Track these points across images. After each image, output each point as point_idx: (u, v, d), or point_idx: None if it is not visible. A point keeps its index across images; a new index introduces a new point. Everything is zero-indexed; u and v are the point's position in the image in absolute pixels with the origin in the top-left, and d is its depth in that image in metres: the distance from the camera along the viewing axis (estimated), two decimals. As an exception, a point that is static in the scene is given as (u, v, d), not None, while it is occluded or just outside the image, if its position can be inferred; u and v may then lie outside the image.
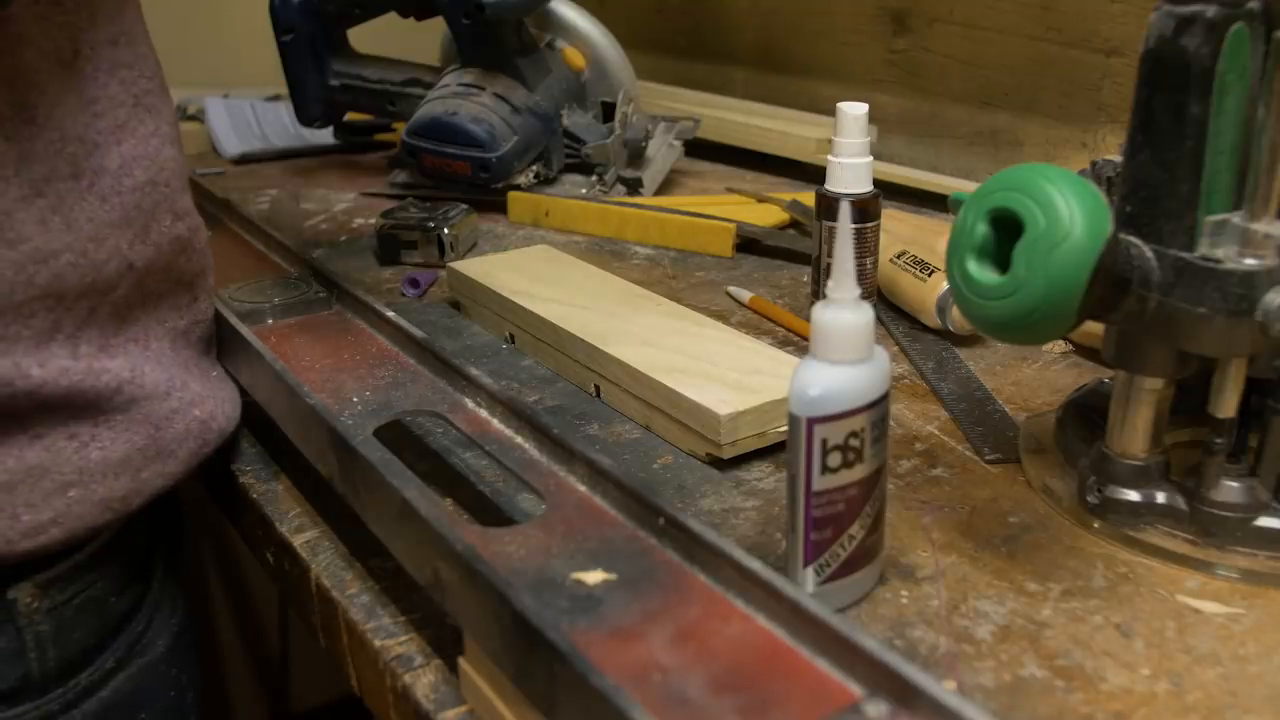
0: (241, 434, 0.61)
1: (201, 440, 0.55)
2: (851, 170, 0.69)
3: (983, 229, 0.44)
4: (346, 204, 1.06)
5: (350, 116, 1.18)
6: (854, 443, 0.41)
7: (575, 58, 1.06)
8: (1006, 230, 0.43)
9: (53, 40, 0.47)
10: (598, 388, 0.64)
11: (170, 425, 0.53)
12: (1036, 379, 0.66)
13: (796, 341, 0.71)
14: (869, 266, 0.71)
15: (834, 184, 0.69)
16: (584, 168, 1.04)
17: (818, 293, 0.73)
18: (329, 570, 0.50)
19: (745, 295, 0.78)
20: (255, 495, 0.57)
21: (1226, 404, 0.46)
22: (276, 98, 1.33)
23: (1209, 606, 0.45)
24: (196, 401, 0.55)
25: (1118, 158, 0.49)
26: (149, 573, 0.58)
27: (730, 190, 1.06)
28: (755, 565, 0.37)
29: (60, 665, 0.52)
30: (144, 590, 0.58)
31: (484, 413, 0.53)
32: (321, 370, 0.59)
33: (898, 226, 0.81)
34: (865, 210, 0.69)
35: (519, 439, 0.50)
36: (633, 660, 0.35)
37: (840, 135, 0.69)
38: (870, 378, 0.41)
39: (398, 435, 0.57)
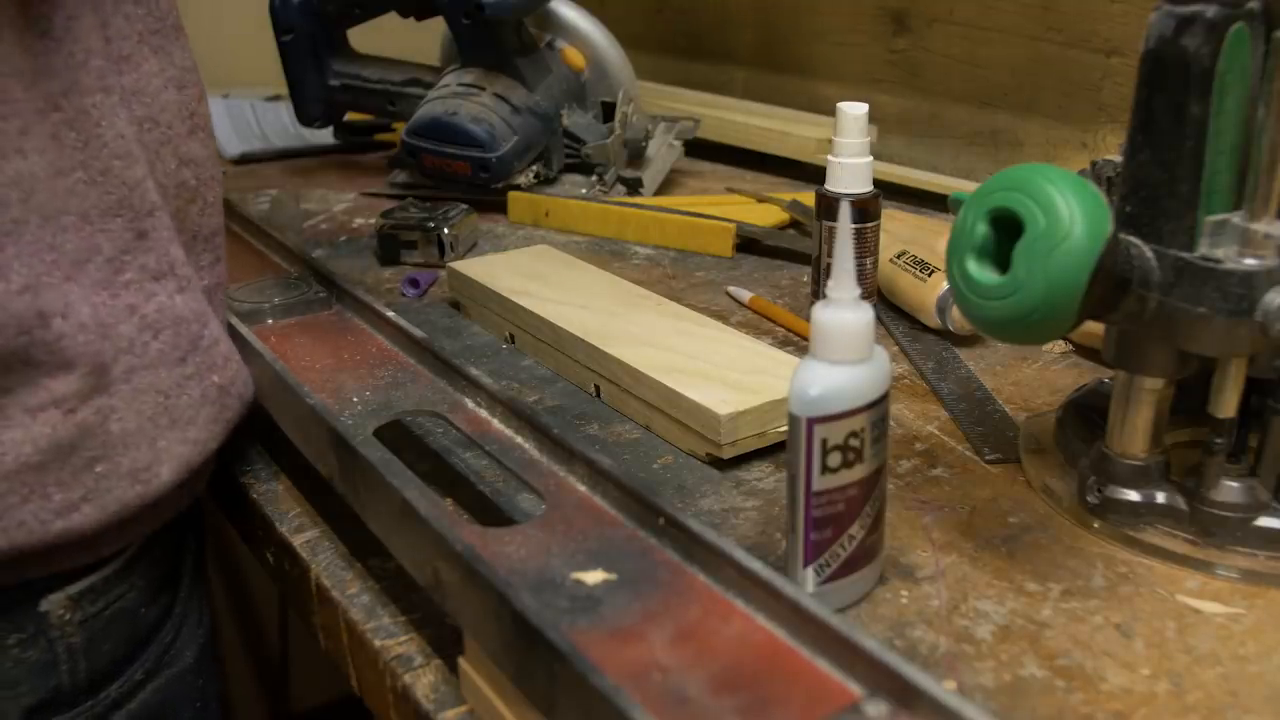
0: (245, 429, 0.61)
1: (221, 405, 0.54)
2: (851, 170, 0.69)
3: (983, 229, 0.44)
4: (346, 204, 1.06)
5: (350, 116, 1.17)
6: (854, 443, 0.41)
7: (575, 58, 1.06)
8: (1006, 230, 0.43)
9: None
10: (598, 388, 0.64)
11: (184, 391, 0.52)
12: (1036, 379, 0.66)
13: (796, 341, 0.71)
14: (869, 266, 0.71)
15: (834, 184, 0.69)
16: (584, 168, 1.04)
17: (818, 293, 0.73)
18: (329, 570, 0.50)
19: (745, 295, 0.78)
20: (255, 495, 0.57)
21: (1226, 404, 0.46)
22: (276, 98, 1.33)
23: (1209, 606, 0.45)
24: (215, 367, 0.54)
25: (1118, 158, 0.49)
26: (176, 581, 0.58)
27: (730, 190, 1.06)
28: (755, 565, 0.37)
29: (91, 677, 0.52)
30: (171, 600, 0.57)
31: (484, 413, 0.53)
32: (321, 370, 0.59)
33: (898, 226, 0.81)
34: (865, 210, 0.69)
35: (519, 439, 0.50)
36: (633, 660, 0.35)
37: (840, 135, 0.69)
38: (870, 378, 0.41)
39: (398, 435, 0.57)
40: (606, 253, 0.91)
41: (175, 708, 0.57)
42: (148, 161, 0.51)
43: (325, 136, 1.22)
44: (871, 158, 0.69)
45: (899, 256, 0.75)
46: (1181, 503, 0.48)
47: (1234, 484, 0.47)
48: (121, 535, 0.51)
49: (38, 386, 0.46)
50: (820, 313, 0.41)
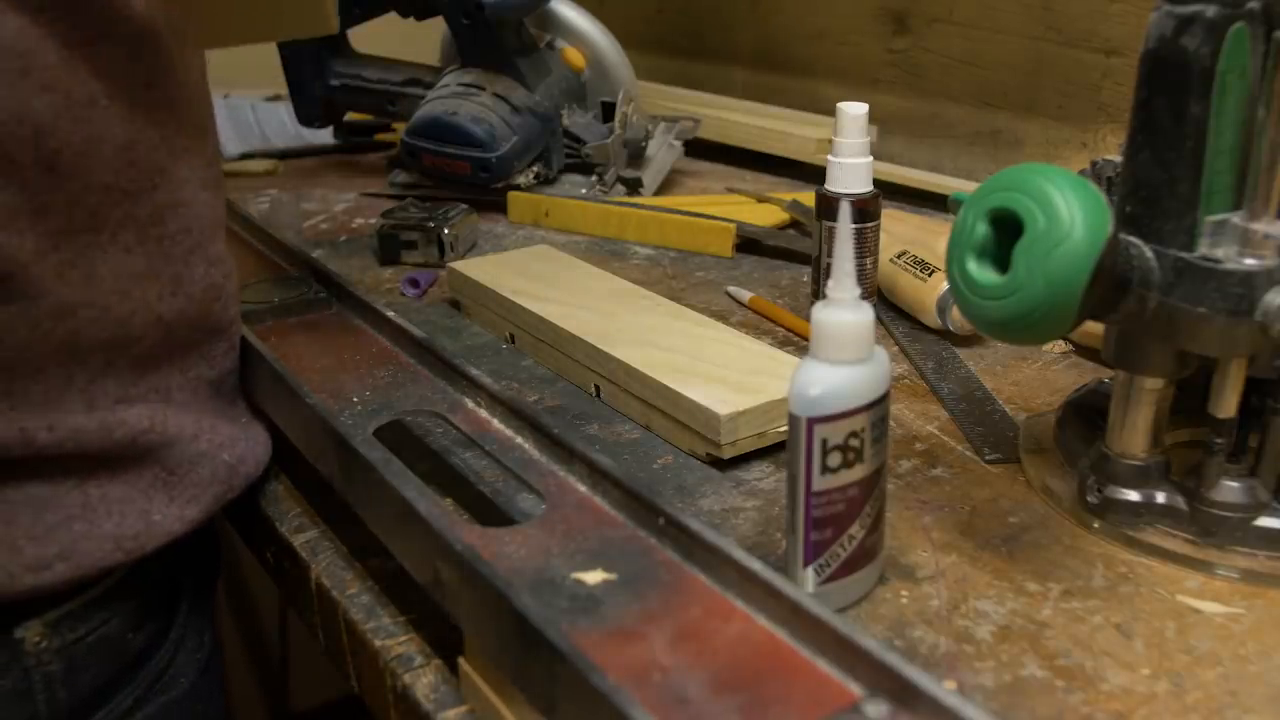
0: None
1: (227, 485, 0.52)
2: (851, 170, 0.69)
3: (983, 229, 0.44)
4: (346, 204, 1.06)
5: (350, 116, 1.17)
6: (854, 443, 0.41)
7: (575, 58, 1.06)
8: (1006, 230, 0.43)
9: (83, 85, 0.44)
10: (598, 388, 0.64)
11: (195, 469, 0.50)
12: (1036, 379, 0.66)
13: (796, 341, 0.71)
14: (869, 266, 0.71)
15: (834, 184, 0.69)
16: (584, 168, 1.04)
17: (818, 293, 0.73)
18: (329, 570, 0.50)
19: (745, 295, 0.78)
20: (255, 495, 0.57)
21: (1226, 404, 0.46)
22: (276, 98, 1.33)
23: (1209, 606, 0.45)
24: (225, 445, 0.52)
25: (1118, 158, 0.49)
26: (172, 608, 0.55)
27: (730, 190, 1.06)
28: (755, 565, 0.37)
29: (72, 705, 0.49)
30: (166, 625, 0.54)
31: (484, 413, 0.53)
32: (321, 370, 0.59)
33: (898, 226, 0.81)
34: (865, 210, 0.69)
35: (519, 439, 0.50)
36: (633, 660, 0.35)
37: (840, 135, 0.69)
38: (870, 378, 0.41)
39: (398, 435, 0.57)
40: (606, 253, 0.91)
41: None
42: (171, 276, 0.49)
43: (325, 136, 1.22)
44: (871, 158, 0.69)
45: (899, 256, 0.75)
46: (1181, 503, 0.48)
47: (1234, 484, 0.47)
48: (103, 576, 0.49)
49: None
50: (820, 313, 0.41)
